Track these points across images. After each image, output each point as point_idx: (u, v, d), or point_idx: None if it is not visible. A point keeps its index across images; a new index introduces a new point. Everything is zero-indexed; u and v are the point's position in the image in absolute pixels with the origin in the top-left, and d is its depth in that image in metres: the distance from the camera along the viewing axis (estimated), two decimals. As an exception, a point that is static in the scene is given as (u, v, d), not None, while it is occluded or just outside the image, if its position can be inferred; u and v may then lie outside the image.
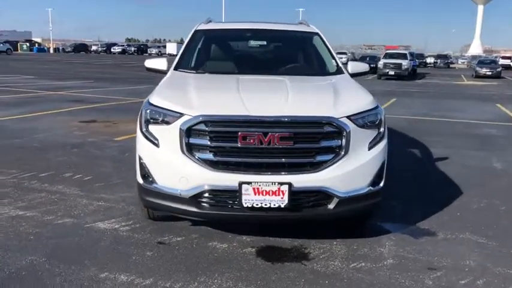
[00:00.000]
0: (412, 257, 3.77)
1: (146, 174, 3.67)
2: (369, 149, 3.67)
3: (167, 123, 3.52)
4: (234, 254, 3.71)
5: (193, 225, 4.23)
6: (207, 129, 3.43)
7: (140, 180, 3.73)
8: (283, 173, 3.45)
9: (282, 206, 3.44)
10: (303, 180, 3.46)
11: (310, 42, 5.41)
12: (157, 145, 3.59)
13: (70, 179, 5.60)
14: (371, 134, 3.70)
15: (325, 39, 5.19)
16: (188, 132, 3.46)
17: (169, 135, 3.51)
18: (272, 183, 3.41)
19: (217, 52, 5.42)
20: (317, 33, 5.31)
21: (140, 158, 3.70)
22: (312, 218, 3.68)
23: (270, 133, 3.38)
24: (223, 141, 3.43)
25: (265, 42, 5.46)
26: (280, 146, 3.41)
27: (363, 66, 5.06)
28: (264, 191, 3.41)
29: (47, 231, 4.08)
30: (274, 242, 3.95)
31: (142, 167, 3.69)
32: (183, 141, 3.46)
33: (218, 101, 3.65)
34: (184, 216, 3.76)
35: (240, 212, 3.48)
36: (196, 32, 5.31)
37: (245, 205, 3.43)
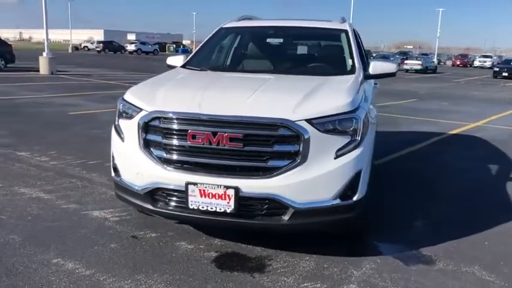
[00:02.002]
0: (383, 285, 3.28)
1: (115, 168, 3.73)
2: (336, 157, 3.28)
3: (130, 118, 3.53)
4: (192, 257, 3.60)
5: (179, 223, 4.19)
6: (160, 125, 3.37)
7: (112, 173, 3.80)
8: (231, 176, 3.24)
9: (228, 211, 3.24)
10: (252, 185, 3.22)
11: (333, 40, 5.00)
12: (122, 139, 3.62)
13: (108, 168, 5.92)
14: (339, 140, 3.30)
15: (351, 38, 4.76)
16: (146, 128, 3.43)
17: (131, 130, 3.52)
18: (218, 186, 3.22)
19: (230, 50, 5.30)
20: (344, 31, 4.89)
21: (111, 151, 3.78)
22: (264, 228, 3.40)
23: (219, 133, 3.21)
24: (174, 138, 3.34)
25: (281, 40, 5.19)
26: (229, 148, 3.21)
27: (388, 67, 4.53)
28: (210, 193, 3.25)
29: (46, 214, 4.36)
30: (242, 249, 3.74)
31: (113, 159, 3.76)
32: (141, 136, 3.44)
33: (177, 98, 3.56)
34: (144, 212, 3.74)
35: (188, 213, 3.35)
36: (220, 29, 5.25)
37: (191, 207, 3.30)
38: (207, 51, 5.02)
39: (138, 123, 3.44)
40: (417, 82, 28.06)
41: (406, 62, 41.18)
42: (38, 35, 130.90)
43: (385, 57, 43.02)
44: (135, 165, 3.50)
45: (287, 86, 3.87)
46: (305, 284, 3.25)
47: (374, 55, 48.90)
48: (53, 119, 9.48)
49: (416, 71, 39.02)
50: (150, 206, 3.48)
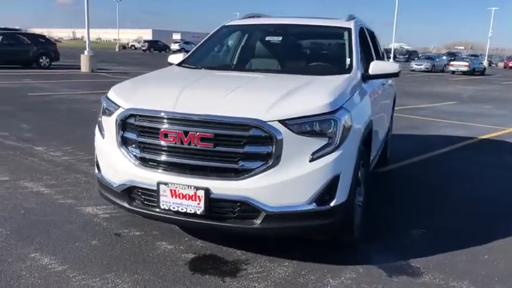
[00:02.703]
0: (358, 296, 3.11)
1: (97, 164, 3.73)
2: (312, 160, 3.13)
3: (110, 115, 3.52)
4: (168, 257, 3.54)
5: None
6: (135, 123, 3.34)
7: (95, 170, 3.81)
8: (201, 177, 3.16)
9: (198, 212, 3.16)
10: (223, 187, 3.13)
11: (335, 38, 4.81)
12: (103, 136, 3.61)
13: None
14: (315, 143, 3.15)
15: (353, 36, 4.56)
16: (123, 125, 3.41)
17: (110, 127, 3.50)
18: (188, 186, 3.15)
19: (228, 48, 5.21)
20: (347, 29, 4.69)
21: (95, 148, 3.78)
22: (237, 231, 3.30)
23: (190, 132, 3.14)
24: (148, 137, 3.30)
25: (280, 38, 5.04)
26: (201, 147, 3.14)
27: (389, 67, 4.31)
28: (181, 194, 3.18)
29: (40, 209, 4.43)
30: (221, 252, 3.65)
31: (96, 156, 3.76)
32: (118, 134, 3.42)
33: (155, 96, 3.50)
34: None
35: (161, 213, 3.30)
36: (222, 27, 5.17)
37: (162, 207, 3.24)
38: (206, 50, 4.95)
39: (116, 120, 3.42)
40: (462, 84, 27.06)
41: (452, 63, 39.80)
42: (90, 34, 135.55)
43: (429, 58, 41.81)
44: (113, 162, 3.48)
45: (270, 85, 3.75)
46: (275, 292, 3.12)
47: (420, 56, 47.55)
48: (78, 116, 9.71)
49: (463, 73, 37.64)
50: (126, 204, 3.46)
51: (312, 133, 3.14)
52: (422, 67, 39.58)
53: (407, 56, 61.68)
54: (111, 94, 3.64)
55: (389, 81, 6.09)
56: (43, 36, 24.17)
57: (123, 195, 3.45)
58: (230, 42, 5.18)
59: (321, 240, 3.81)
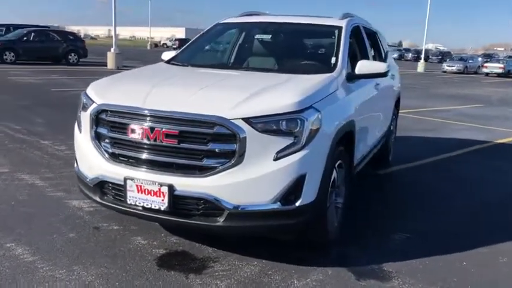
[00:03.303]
0: (318, 298, 3.07)
1: (75, 158, 3.80)
2: (276, 159, 3.10)
3: (85, 109, 3.58)
4: (139, 252, 3.58)
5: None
6: (106, 118, 3.39)
7: (75, 164, 3.88)
8: (166, 173, 3.18)
9: (162, 208, 3.18)
10: (187, 184, 3.14)
11: (325, 37, 4.74)
12: (80, 131, 3.68)
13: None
14: (280, 142, 3.11)
15: (342, 35, 4.48)
16: (96, 120, 3.46)
17: (85, 122, 3.56)
18: (153, 182, 3.18)
19: (216, 45, 5.21)
20: (338, 28, 4.61)
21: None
22: (201, 228, 3.30)
23: (156, 128, 3.16)
24: (117, 132, 3.34)
25: (269, 37, 5.00)
26: (166, 144, 3.16)
27: (376, 67, 4.23)
28: (146, 189, 3.21)
29: (30, 200, 4.55)
30: (193, 249, 3.67)
31: (75, 151, 3.83)
32: (92, 128, 3.48)
33: (127, 92, 3.54)
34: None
35: (128, 208, 3.34)
36: (216, 24, 5.18)
37: (129, 202, 3.28)
38: (197, 47, 4.97)
39: (90, 115, 3.47)
40: (494, 86, 26.29)
41: (486, 64, 38.68)
42: (125, 32, 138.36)
43: (462, 60, 40.77)
44: (87, 156, 3.54)
45: (243, 83, 3.73)
46: (235, 290, 3.11)
47: (454, 57, 46.43)
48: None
49: (498, 75, 36.55)
50: (98, 199, 3.51)
51: (277, 132, 3.11)
52: (454, 68, 38.65)
53: (440, 57, 60.27)
54: (89, 90, 3.70)
55: (392, 82, 5.97)
56: (72, 33, 24.84)
57: (95, 190, 3.50)
58: (223, 40, 5.18)
59: (298, 240, 3.76)
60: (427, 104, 14.54)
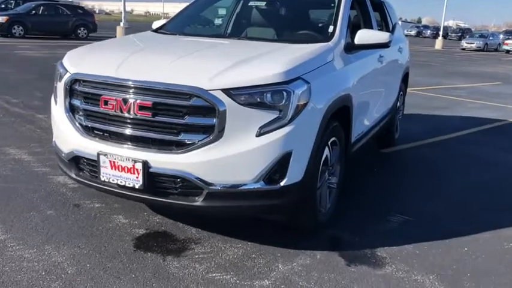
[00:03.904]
0: (301, 286, 2.84)
1: (53, 131, 3.59)
2: (259, 135, 2.84)
3: (60, 79, 3.35)
4: (118, 232, 3.38)
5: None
6: (78, 89, 3.16)
7: (53, 138, 3.67)
8: (141, 149, 2.95)
9: (137, 186, 2.96)
10: (162, 161, 2.90)
11: (326, 5, 4.38)
12: (56, 102, 3.45)
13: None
14: (264, 116, 2.85)
15: (343, 2, 4.14)
16: (70, 91, 3.23)
17: (60, 93, 3.34)
18: (127, 158, 2.95)
19: (207, 13, 4.90)
20: None
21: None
22: (179, 208, 3.09)
23: (129, 100, 2.92)
24: (91, 104, 3.11)
25: (264, 4, 4.67)
26: (140, 117, 2.92)
27: (377, 37, 3.90)
28: (120, 166, 2.98)
29: (13, 176, 4.38)
30: (176, 229, 3.46)
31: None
32: (66, 100, 3.25)
33: (102, 60, 3.29)
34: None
35: (102, 185, 3.13)
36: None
37: (102, 179, 3.06)
38: (188, 15, 4.68)
39: (64, 86, 3.24)
40: (513, 64, 25.46)
41: (506, 42, 37.55)
42: (139, 7, 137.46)
43: (482, 37, 39.61)
44: (61, 130, 3.33)
45: (228, 52, 3.45)
46: (214, 274, 2.90)
47: (473, 33, 45.19)
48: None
49: (519, 52, 35.47)
50: (73, 175, 3.31)
51: (261, 105, 2.85)
52: (474, 46, 37.56)
53: (460, 34, 58.70)
54: (65, 59, 3.46)
55: (399, 55, 5.63)
56: (82, 7, 24.52)
57: (70, 165, 3.30)
58: (210, 7, 4.87)
59: (287, 222, 3.53)
60: (442, 81, 14.06)
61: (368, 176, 4.91)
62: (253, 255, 3.14)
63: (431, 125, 7.70)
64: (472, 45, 37.79)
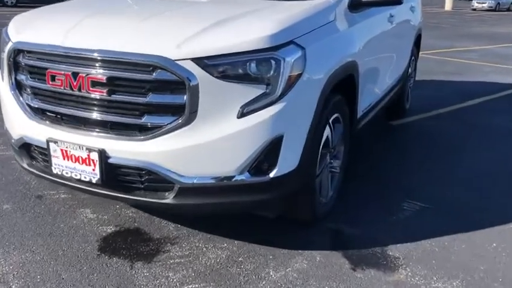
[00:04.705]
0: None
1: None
2: (241, 115, 2.28)
3: (3, 50, 2.76)
4: (82, 230, 2.87)
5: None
6: (22, 61, 2.58)
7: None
8: (96, 135, 2.39)
9: (94, 181, 2.42)
10: (123, 149, 2.36)
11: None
12: (2, 78, 2.87)
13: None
14: (247, 92, 2.28)
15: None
16: (15, 64, 2.66)
17: (4, 66, 2.76)
18: (80, 146, 2.39)
19: None
20: None
21: None
22: (148, 206, 2.55)
23: (80, 74, 2.34)
24: (37, 79, 2.54)
25: None
26: (93, 95, 2.35)
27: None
28: (73, 156, 2.44)
29: (-27, 161, 3.86)
30: (151, 226, 2.95)
31: (1, 104, 3.06)
32: (12, 75, 2.69)
33: (50, 25, 2.70)
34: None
35: (56, 178, 2.59)
36: None
37: (54, 171, 2.52)
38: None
39: (7, 57, 2.68)
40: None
41: None
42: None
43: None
44: (8, 111, 2.78)
45: (203, 12, 2.84)
46: (190, 287, 2.38)
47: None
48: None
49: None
50: (25, 165, 2.78)
51: (242, 78, 2.27)
52: (485, 5, 36.09)
53: (470, -6, 56.64)
54: (10, 24, 2.87)
55: (411, 15, 4.95)
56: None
57: (21, 153, 2.77)
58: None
59: (280, 216, 2.99)
60: (453, 44, 13.27)
61: (376, 153, 4.34)
62: (240, 259, 2.62)
63: (445, 92, 7.06)
64: (483, 5, 36.31)
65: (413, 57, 5.42)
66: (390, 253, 2.72)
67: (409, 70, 5.29)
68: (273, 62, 2.28)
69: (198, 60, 2.21)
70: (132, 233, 2.86)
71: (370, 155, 4.26)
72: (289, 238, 2.83)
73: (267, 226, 2.90)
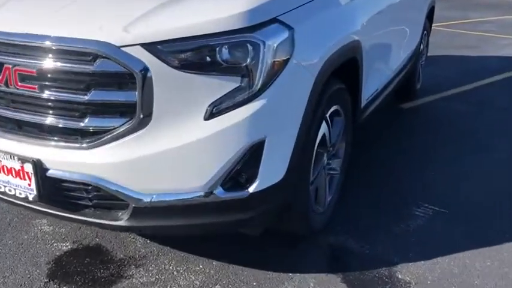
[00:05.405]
0: None
1: None
2: (210, 115, 1.77)
3: None
4: (32, 248, 2.43)
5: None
6: None
7: None
8: (30, 141, 1.90)
9: (30, 198, 1.94)
10: (62, 160, 1.87)
11: None
12: None
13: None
14: (216, 85, 1.77)
15: None
16: None
17: None
18: (11, 156, 1.91)
19: None
20: None
21: None
22: (102, 228, 2.08)
23: (5, 65, 1.84)
24: (-41, 72, 2.03)
25: None
26: (22, 92, 1.86)
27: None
28: (5, 167, 1.96)
29: None
30: (115, 243, 2.49)
31: None
32: None
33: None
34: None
35: (-10, 192, 2.11)
36: None
37: (-14, 185, 2.04)
38: None
39: None
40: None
41: None
42: None
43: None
44: None
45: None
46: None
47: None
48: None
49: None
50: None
51: (210, 68, 1.76)
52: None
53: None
54: None
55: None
56: None
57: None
58: None
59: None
60: (467, 14, 12.51)
61: (383, 145, 3.83)
62: (217, 286, 2.15)
63: (459, 69, 6.47)
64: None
65: (425, 32, 4.84)
66: (399, 276, 2.24)
67: (421, 46, 4.72)
68: (249, 46, 1.76)
69: (150, 46, 1.70)
70: (91, 252, 2.40)
71: (375, 147, 3.74)
72: (278, 257, 2.36)
73: (252, 241, 2.41)
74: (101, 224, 1.96)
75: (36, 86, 1.81)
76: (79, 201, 1.96)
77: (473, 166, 3.43)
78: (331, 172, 2.59)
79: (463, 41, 8.53)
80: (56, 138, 1.88)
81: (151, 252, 2.40)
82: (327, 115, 2.31)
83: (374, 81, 3.09)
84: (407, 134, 4.13)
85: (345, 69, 2.38)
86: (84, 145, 1.83)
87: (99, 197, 1.91)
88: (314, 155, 2.24)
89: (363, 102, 2.90)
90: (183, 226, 1.93)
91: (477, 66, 6.62)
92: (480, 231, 2.61)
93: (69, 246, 2.44)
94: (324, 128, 2.30)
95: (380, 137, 3.96)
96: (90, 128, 1.81)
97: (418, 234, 2.58)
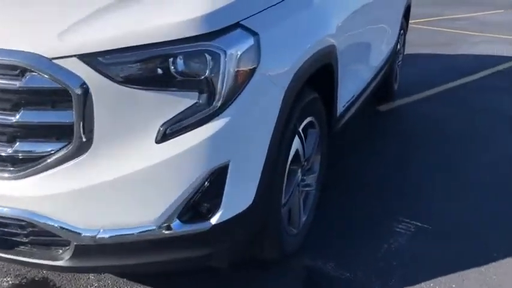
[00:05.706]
0: None
1: None
2: (163, 138, 1.51)
3: None
4: None
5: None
6: None
7: None
8: (-48, 168, 1.61)
9: (-46, 234, 1.64)
10: (-10, 190, 1.57)
11: None
12: None
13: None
14: (171, 102, 1.52)
15: None
16: None
17: None
18: None
19: None
20: None
21: None
22: (41, 268, 1.80)
23: None
24: None
25: None
26: None
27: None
28: None
29: None
30: (65, 277, 2.19)
31: None
32: None
33: None
34: None
35: None
36: None
37: None
38: None
39: None
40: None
41: None
42: None
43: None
44: None
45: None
46: None
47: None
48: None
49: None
50: None
51: (161, 82, 1.50)
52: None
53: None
54: None
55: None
56: None
57: None
58: None
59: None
60: (441, 11, 12.48)
61: (361, 152, 3.62)
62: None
63: (436, 67, 6.34)
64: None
65: (402, 31, 4.66)
66: (382, 306, 2.02)
67: (398, 46, 4.54)
68: (207, 56, 1.50)
69: (88, 58, 1.43)
70: (37, 287, 2.11)
71: (353, 155, 3.53)
72: (249, 280, 2.11)
73: (218, 270, 2.16)
74: (38, 264, 1.68)
75: (-44, 105, 1.51)
76: (13, 239, 1.67)
77: (461, 176, 3.24)
78: (306, 189, 2.36)
79: (439, 39, 8.46)
80: (-20, 165, 1.58)
81: (105, 286, 2.12)
82: (300, 128, 2.07)
83: (350, 86, 2.87)
84: (387, 140, 3.93)
85: (318, 76, 2.15)
86: (14, 174, 1.55)
87: (35, 233, 1.63)
88: (286, 174, 2.00)
89: (339, 110, 2.68)
90: (137, 265, 1.67)
91: (455, 64, 6.51)
92: (468, 249, 2.42)
93: (10, 282, 2.15)
94: (296, 143, 2.07)
95: (358, 144, 3.75)
96: (20, 154, 1.53)
97: (401, 253, 2.38)
